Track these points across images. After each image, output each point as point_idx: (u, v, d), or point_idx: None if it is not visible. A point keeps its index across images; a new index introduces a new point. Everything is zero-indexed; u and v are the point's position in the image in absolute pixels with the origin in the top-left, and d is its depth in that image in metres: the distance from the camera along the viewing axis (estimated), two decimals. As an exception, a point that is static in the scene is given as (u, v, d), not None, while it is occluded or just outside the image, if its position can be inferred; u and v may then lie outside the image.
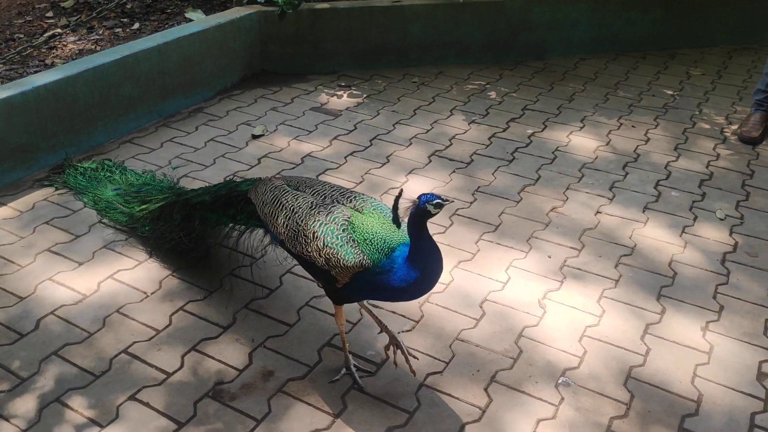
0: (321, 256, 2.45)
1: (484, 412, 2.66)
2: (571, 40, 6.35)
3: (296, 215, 2.57)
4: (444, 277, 3.36)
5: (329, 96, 5.42)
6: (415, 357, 2.80)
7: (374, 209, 2.56)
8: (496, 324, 3.11)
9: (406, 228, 2.38)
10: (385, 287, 2.39)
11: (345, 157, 4.51)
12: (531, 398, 2.73)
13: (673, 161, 4.56)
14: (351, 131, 4.88)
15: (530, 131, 4.94)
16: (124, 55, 4.60)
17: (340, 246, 2.41)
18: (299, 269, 3.38)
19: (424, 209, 2.27)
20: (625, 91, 5.67)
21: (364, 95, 5.46)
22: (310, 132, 4.85)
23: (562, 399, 2.72)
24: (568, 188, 4.21)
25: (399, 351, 2.77)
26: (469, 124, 5.03)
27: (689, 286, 3.37)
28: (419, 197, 2.28)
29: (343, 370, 2.79)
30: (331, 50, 5.86)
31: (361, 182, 4.22)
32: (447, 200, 2.29)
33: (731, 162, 4.58)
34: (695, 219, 3.92)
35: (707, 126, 5.09)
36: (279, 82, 5.60)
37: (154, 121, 4.90)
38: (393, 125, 4.98)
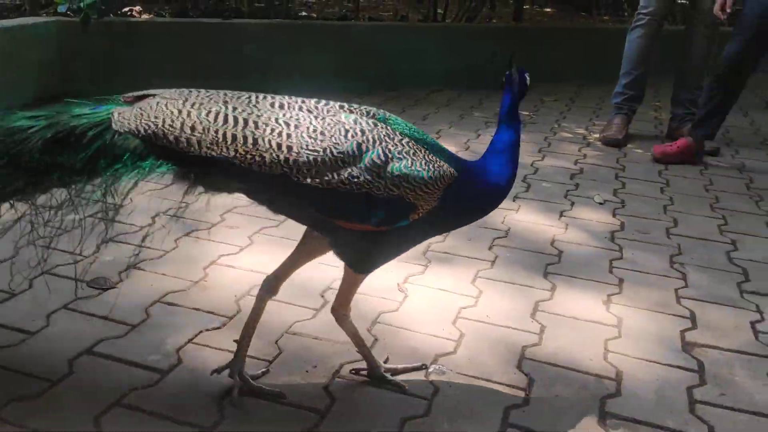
0: (384, 178, 1.59)
1: (323, 417, 1.75)
2: (422, 72, 5.96)
3: (309, 130, 1.60)
4: (273, 267, 2.50)
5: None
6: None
7: (389, 116, 1.73)
8: (341, 313, 2.25)
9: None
10: (478, 197, 1.76)
11: (155, 163, 3.59)
12: (392, 393, 1.86)
13: (538, 160, 4.08)
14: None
15: (382, 140, 4.30)
16: None
17: (413, 155, 1.63)
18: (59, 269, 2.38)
19: (525, 79, 1.79)
20: (481, 112, 5.28)
21: (190, 114, 4.62)
22: (115, 142, 3.90)
23: (437, 390, 1.88)
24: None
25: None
26: (312, 135, 4.32)
27: (580, 263, 2.73)
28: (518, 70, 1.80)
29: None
30: (152, 72, 5.00)
31: (172, 184, 3.31)
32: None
33: (600, 159, 4.18)
34: (572, 204, 3.38)
35: (569, 134, 4.74)
36: (85, 104, 4.62)
37: None
38: (221, 137, 4.15)
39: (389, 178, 1.60)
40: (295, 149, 1.58)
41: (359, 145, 1.60)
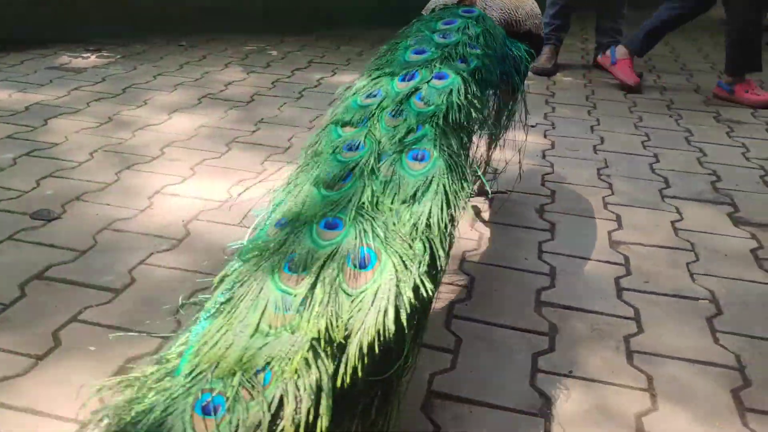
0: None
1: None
2: (356, 10, 5.93)
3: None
4: (220, 194, 2.55)
5: (72, 57, 4.39)
6: None
7: None
8: (289, 231, 2.32)
9: None
10: None
11: (87, 103, 3.52)
12: (343, 296, 1.96)
13: (474, 90, 4.18)
14: (98, 83, 3.90)
15: (319, 76, 4.32)
16: None
17: None
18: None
19: None
20: (416, 48, 5.31)
21: (119, 56, 4.51)
22: (42, 85, 3.79)
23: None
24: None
25: None
26: (248, 74, 4.30)
27: (514, 179, 2.85)
28: None
29: None
30: (81, 15, 4.84)
31: (107, 122, 3.27)
32: None
33: (531, 87, 4.30)
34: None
35: (501, 66, 4.85)
36: (7, 51, 4.44)
37: None
38: (154, 77, 4.09)
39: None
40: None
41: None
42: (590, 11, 5.07)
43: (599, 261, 2.24)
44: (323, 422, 0.93)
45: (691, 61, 5.25)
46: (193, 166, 2.80)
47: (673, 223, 2.53)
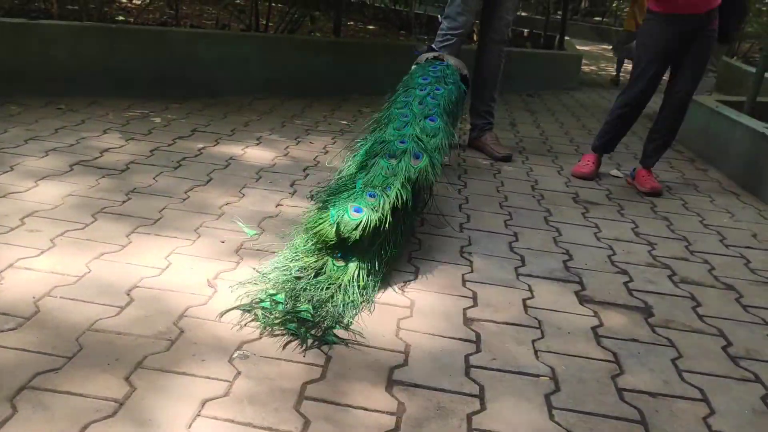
0: None
1: (122, 404, 1.80)
2: (244, 80, 6.03)
3: None
4: (76, 269, 2.48)
5: (-65, 117, 4.19)
6: None
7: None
8: (147, 308, 2.29)
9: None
10: None
11: (-55, 167, 3.36)
12: (195, 378, 1.95)
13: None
14: (-39, 145, 3.74)
15: (201, 146, 4.33)
16: None
17: None
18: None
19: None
20: (302, 120, 5.46)
21: (-11, 117, 4.34)
22: None
23: (238, 373, 1.99)
24: (244, 187, 3.65)
25: None
26: (126, 141, 4.25)
27: (382, 256, 2.96)
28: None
29: None
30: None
31: (-35, 188, 3.12)
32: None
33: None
34: (381, 204, 3.63)
35: (383, 142, 5.04)
36: None
37: None
38: (25, 141, 3.96)
39: None
40: None
41: None
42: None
43: (453, 338, 2.34)
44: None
45: (558, 143, 5.68)
46: (53, 237, 2.72)
47: (524, 300, 2.69)
